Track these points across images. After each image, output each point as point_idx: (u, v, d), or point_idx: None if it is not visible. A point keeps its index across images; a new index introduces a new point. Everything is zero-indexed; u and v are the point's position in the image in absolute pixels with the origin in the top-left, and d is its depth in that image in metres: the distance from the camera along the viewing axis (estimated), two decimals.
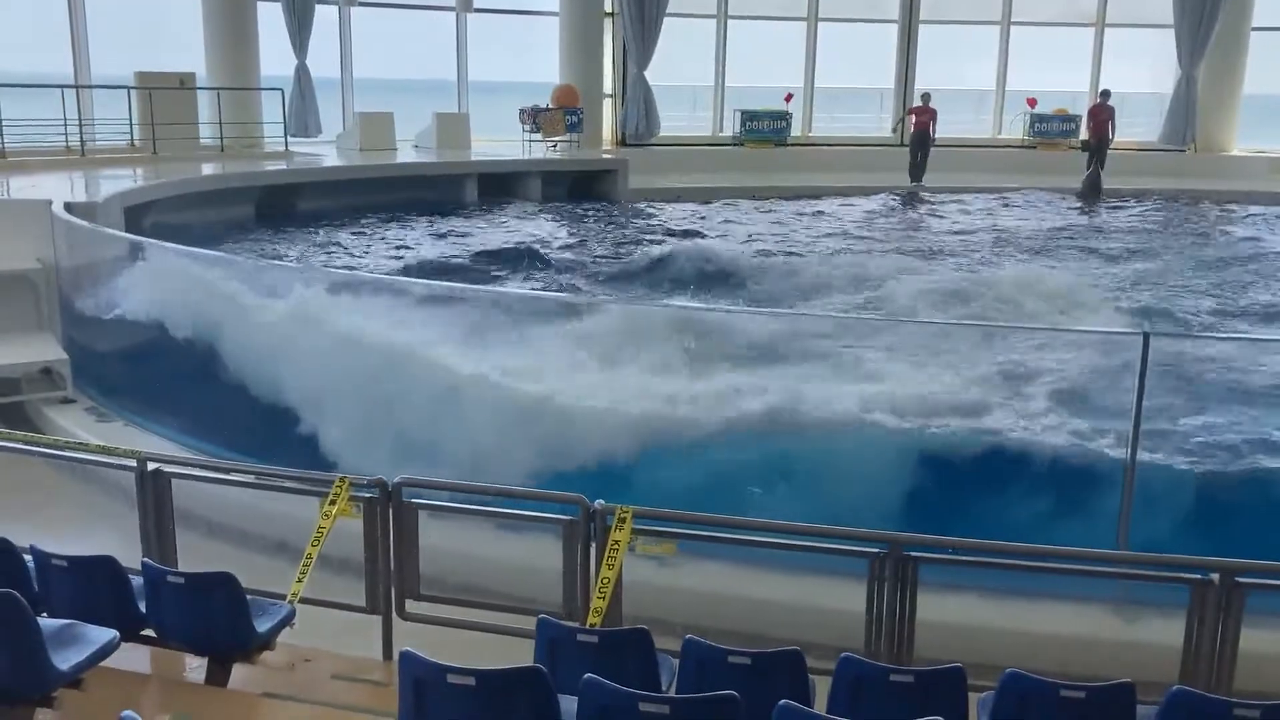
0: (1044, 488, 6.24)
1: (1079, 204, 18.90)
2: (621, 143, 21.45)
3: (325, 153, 18.08)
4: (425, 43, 22.83)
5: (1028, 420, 6.99)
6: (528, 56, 23.70)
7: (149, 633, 4.43)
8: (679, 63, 22.26)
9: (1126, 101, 20.94)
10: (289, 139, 17.67)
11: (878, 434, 6.62)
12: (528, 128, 19.86)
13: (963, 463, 6.50)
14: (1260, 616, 4.61)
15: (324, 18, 18.84)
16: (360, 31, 20.05)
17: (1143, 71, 23.13)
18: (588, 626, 4.31)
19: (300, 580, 4.70)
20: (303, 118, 18.54)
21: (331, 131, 19.18)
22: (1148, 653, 4.91)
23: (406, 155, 18.44)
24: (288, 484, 5.70)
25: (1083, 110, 21.78)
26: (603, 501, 4.81)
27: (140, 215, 12.57)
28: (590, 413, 6.81)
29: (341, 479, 4.98)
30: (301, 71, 18.53)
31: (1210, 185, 20.10)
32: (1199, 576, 4.46)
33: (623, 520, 4.68)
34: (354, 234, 14.79)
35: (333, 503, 4.90)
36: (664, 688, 3.98)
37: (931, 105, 20.25)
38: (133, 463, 5.31)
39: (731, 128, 22.31)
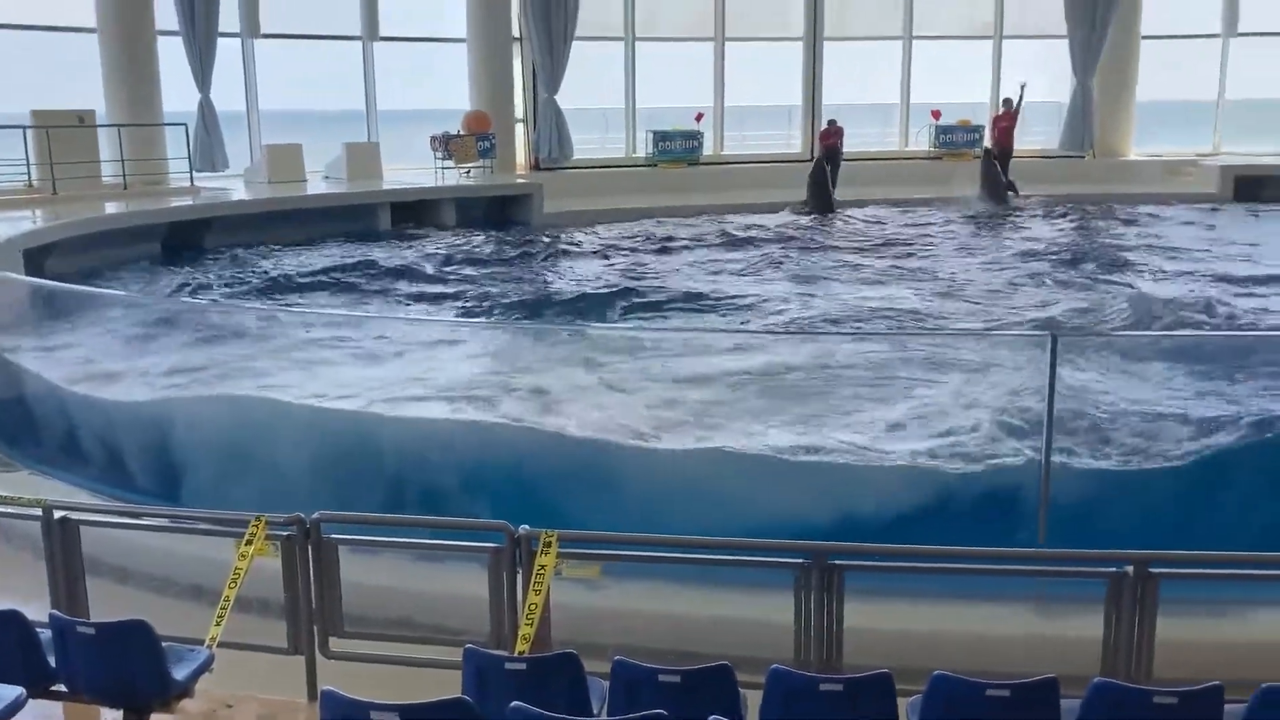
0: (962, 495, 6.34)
1: (979, 211, 19.21)
2: (535, 167, 21.44)
3: (232, 187, 17.76)
4: (333, 73, 22.62)
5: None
6: (437, 83, 23.59)
7: (60, 687, 4.27)
8: (590, 85, 22.33)
9: (1026, 110, 21.47)
10: (194, 174, 17.33)
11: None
12: (440, 155, 19.75)
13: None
14: (1175, 604, 4.73)
15: (227, 50, 18.54)
16: (265, 63, 19.77)
17: (1041, 81, 23.74)
18: (516, 654, 4.26)
19: (218, 624, 4.57)
20: (208, 152, 18.20)
21: (239, 165, 18.85)
22: (1070, 647, 4.99)
23: (317, 186, 18.19)
24: (202, 525, 5.55)
25: (985, 120, 22.37)
26: (527, 527, 4.76)
27: (40, 257, 12.20)
28: None
29: (258, 518, 4.87)
30: (205, 106, 18.20)
31: (1110, 189, 20.73)
32: (1114, 569, 4.56)
33: (548, 545, 4.64)
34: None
35: (249, 543, 4.78)
36: (594, 711, 3.95)
37: (838, 125, 20.55)
38: (38, 511, 5.12)
39: (645, 148, 22.46)
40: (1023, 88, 20.68)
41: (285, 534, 4.88)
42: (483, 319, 11.24)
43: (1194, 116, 24.33)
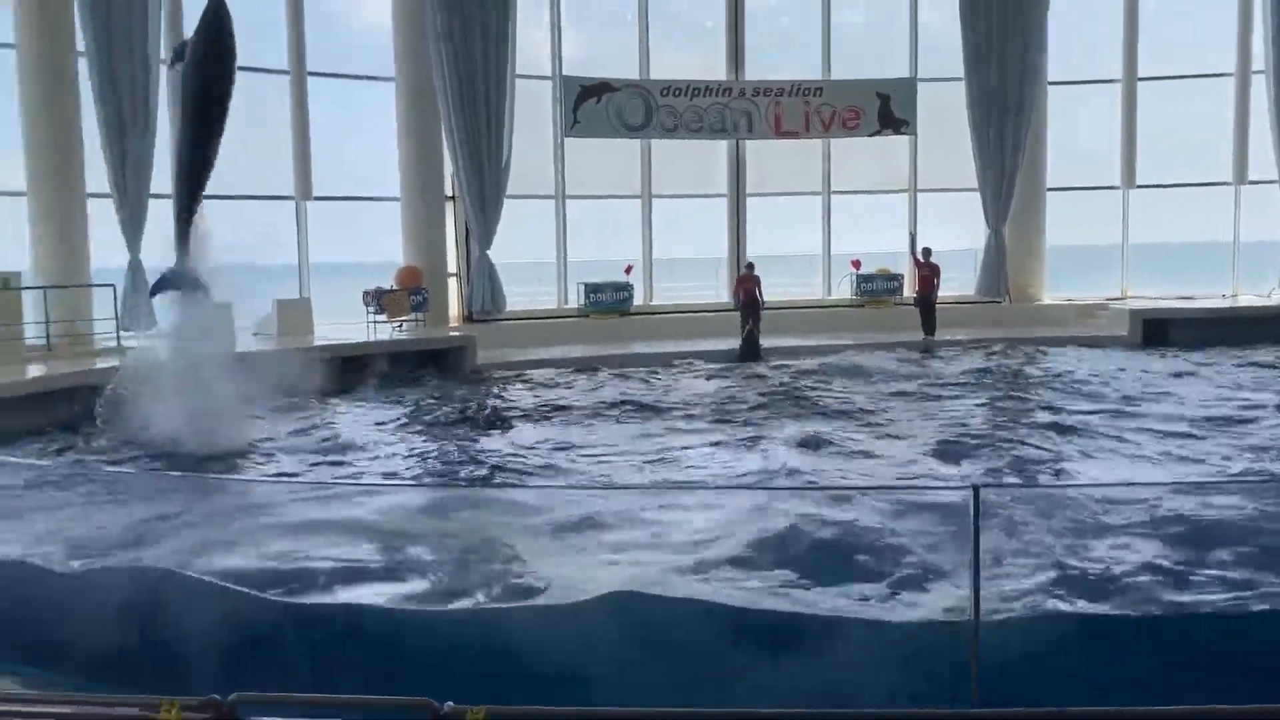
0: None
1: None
2: (469, 319, 21.64)
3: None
4: (265, 228, 22.77)
5: None
6: (371, 237, 23.88)
7: None
8: (522, 239, 22.78)
9: (944, 259, 22.30)
10: (121, 335, 17.20)
11: None
12: (372, 309, 19.85)
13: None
14: None
15: (158, 210, 18.59)
16: None
17: (955, 231, 24.73)
18: None
19: None
20: (137, 313, 18.08)
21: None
22: None
23: (246, 344, 18.06)
24: (98, 710, 5.30)
25: (904, 269, 23.15)
26: (453, 704, 4.62)
27: None
28: None
29: (170, 702, 4.67)
30: (135, 266, 18.17)
31: (1027, 333, 21.42)
32: None
33: None
34: None
35: None
36: None
37: (755, 273, 20.95)
38: None
39: (577, 300, 22.82)
40: (912, 236, 22.17)
41: (200, 718, 4.68)
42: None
43: (1101, 260, 25.43)
